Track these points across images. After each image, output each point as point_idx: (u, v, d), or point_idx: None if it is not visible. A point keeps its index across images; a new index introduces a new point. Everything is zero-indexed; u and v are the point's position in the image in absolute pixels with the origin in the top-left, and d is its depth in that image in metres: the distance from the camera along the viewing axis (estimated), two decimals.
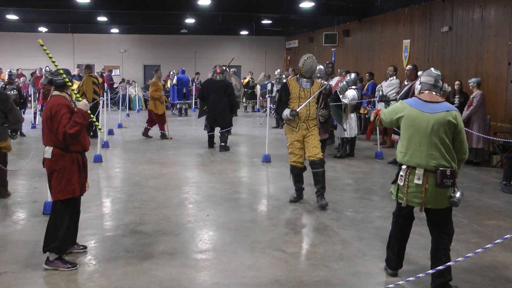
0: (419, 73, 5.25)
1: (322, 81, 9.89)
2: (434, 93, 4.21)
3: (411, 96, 8.92)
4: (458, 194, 4.07)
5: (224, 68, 11.60)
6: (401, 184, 4.17)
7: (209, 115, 11.20)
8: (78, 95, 4.71)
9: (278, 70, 15.96)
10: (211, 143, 11.45)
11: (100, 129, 5.33)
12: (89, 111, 4.56)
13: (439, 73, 4.34)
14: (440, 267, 3.74)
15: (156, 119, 12.83)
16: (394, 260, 4.42)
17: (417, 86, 4.35)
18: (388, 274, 4.45)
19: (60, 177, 4.50)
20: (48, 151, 4.51)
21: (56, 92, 4.60)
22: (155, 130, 13.13)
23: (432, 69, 4.38)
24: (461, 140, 4.09)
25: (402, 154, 4.18)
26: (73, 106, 4.57)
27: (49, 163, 4.53)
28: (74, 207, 4.69)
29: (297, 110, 6.44)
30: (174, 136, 12.60)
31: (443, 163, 4.00)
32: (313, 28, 22.12)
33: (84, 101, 4.56)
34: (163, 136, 12.77)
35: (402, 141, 4.21)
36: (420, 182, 4.05)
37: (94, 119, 4.96)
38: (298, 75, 6.64)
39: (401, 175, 4.17)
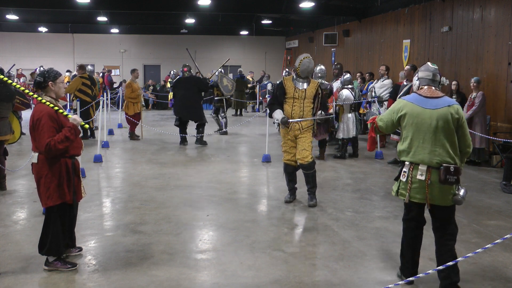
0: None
1: (323, 81, 9.89)
2: (433, 88, 4.15)
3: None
4: (462, 192, 4.01)
5: (190, 66, 12.29)
6: (404, 180, 4.11)
7: (178, 109, 11.74)
8: (44, 101, 4.40)
9: (287, 69, 16.06)
10: (183, 140, 11.81)
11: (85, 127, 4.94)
12: (82, 122, 4.43)
13: (437, 67, 4.27)
14: (440, 267, 3.74)
15: (127, 120, 12.81)
16: (409, 268, 4.26)
17: (415, 82, 4.27)
18: (403, 281, 4.19)
19: (48, 182, 4.36)
20: (35, 156, 4.40)
21: (44, 97, 4.42)
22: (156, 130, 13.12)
23: (429, 63, 4.31)
24: (464, 133, 4.04)
25: (405, 152, 4.12)
26: (59, 111, 4.36)
27: (37, 168, 4.41)
28: (66, 212, 4.54)
29: (290, 121, 6.42)
30: (174, 136, 12.58)
31: (446, 160, 3.96)
32: (313, 28, 22.12)
33: (76, 116, 4.43)
34: (132, 136, 12.76)
35: (405, 139, 4.14)
36: (423, 178, 3.99)
37: (86, 125, 4.87)
38: (294, 75, 6.61)
39: (404, 171, 4.11)
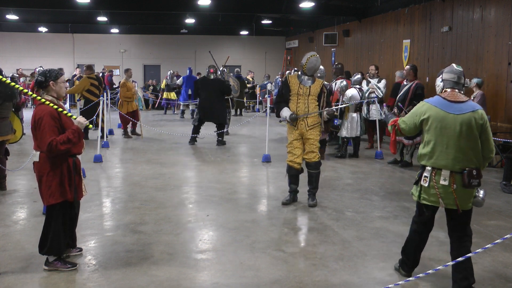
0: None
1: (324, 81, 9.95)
2: (457, 91, 4.07)
3: (411, 97, 9.01)
4: (481, 193, 4.00)
5: (216, 67, 12.19)
6: (426, 185, 4.05)
7: (201, 110, 11.79)
8: (46, 101, 4.36)
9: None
10: (193, 140, 11.85)
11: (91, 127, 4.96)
12: (87, 123, 4.44)
13: (461, 69, 4.19)
14: (442, 266, 3.74)
15: (121, 118, 12.99)
16: (409, 264, 4.34)
17: (439, 83, 4.20)
18: (401, 275, 4.37)
19: (50, 181, 4.37)
20: (36, 155, 4.41)
21: (45, 97, 4.41)
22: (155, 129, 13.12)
23: (454, 65, 4.22)
24: (487, 138, 3.99)
25: (426, 157, 4.05)
26: (60, 111, 4.35)
27: (38, 167, 4.42)
28: (67, 211, 4.54)
29: (298, 117, 6.42)
30: (174, 136, 12.59)
31: (469, 165, 3.92)
32: (313, 28, 22.12)
33: (81, 118, 4.43)
34: (126, 135, 12.98)
35: (427, 143, 4.06)
36: (446, 183, 3.95)
37: (90, 125, 4.88)
38: (299, 72, 6.63)
39: (425, 176, 4.04)
